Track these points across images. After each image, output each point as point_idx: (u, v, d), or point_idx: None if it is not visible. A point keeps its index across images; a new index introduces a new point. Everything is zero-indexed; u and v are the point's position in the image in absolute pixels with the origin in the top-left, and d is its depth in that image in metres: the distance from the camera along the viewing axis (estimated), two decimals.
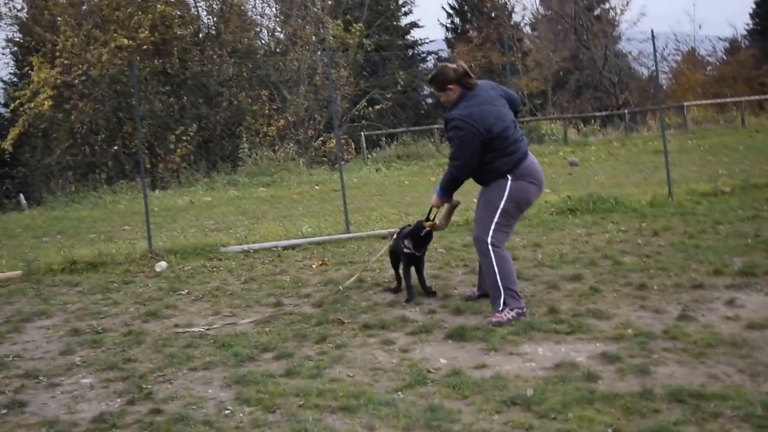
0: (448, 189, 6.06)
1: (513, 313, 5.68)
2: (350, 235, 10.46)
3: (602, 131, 28.47)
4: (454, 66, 5.92)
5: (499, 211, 5.80)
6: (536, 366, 4.70)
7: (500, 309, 5.72)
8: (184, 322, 6.35)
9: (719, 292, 6.13)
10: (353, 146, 26.95)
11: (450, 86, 5.89)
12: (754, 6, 52.88)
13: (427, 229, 6.41)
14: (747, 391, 4.05)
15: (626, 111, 30.39)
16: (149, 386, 4.74)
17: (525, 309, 5.79)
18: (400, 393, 4.36)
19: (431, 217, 6.42)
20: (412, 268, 6.66)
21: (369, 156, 24.90)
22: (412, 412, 4.04)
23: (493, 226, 5.80)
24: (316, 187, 18.83)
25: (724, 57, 45.97)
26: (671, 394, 4.05)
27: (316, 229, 10.99)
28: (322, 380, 4.64)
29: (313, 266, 8.61)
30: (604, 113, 31.77)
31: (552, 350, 4.99)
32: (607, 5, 42.22)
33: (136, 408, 4.41)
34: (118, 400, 4.58)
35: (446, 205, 6.30)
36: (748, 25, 53.41)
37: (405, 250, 6.59)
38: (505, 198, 5.79)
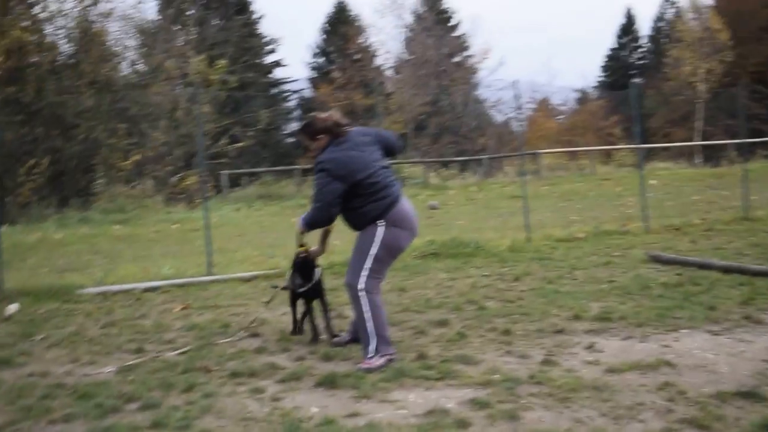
0: (309, 226, 6.00)
1: (383, 360, 5.69)
2: (213, 277, 10.27)
3: (461, 176, 29.28)
4: (326, 116, 5.99)
5: (370, 258, 5.82)
6: (408, 413, 4.71)
7: (370, 355, 5.73)
8: (39, 370, 6.02)
9: (579, 337, 6.34)
10: (212, 184, 26.59)
11: (320, 136, 5.93)
12: (605, 59, 56.43)
13: (303, 254, 6.36)
14: None
15: (485, 157, 31.34)
16: None
17: (395, 355, 5.82)
18: None
19: (303, 243, 6.35)
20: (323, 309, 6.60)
21: (229, 195, 24.63)
22: None
23: (365, 273, 5.82)
24: (174, 226, 18.41)
25: (576, 107, 48.42)
26: None
27: (177, 271, 10.73)
28: None
29: (176, 310, 8.39)
30: (464, 158, 32.66)
31: (423, 397, 5.02)
32: (467, 52, 43.67)
33: None
34: None
35: (320, 231, 6.27)
36: (599, 77, 56.92)
37: (297, 290, 6.56)
38: (376, 244, 5.82)
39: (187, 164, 26.37)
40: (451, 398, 4.95)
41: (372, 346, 5.74)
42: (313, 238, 6.37)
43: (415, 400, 4.96)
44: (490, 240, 12.05)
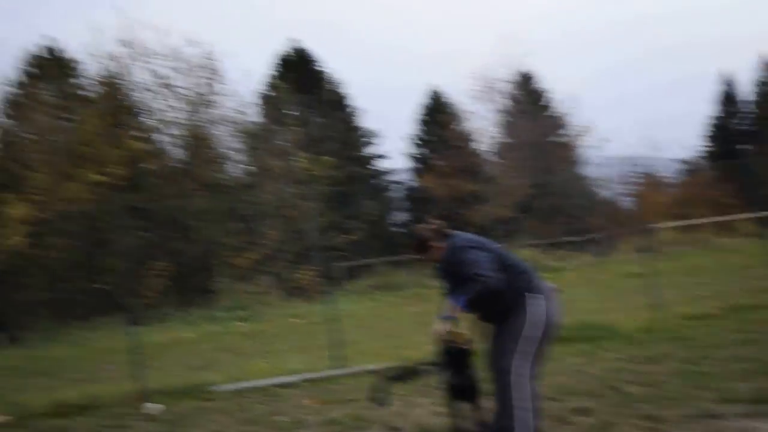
0: (471, 301, 5.30)
1: None
2: (343, 370, 10.32)
3: (575, 256, 28.79)
4: (429, 226, 5.82)
5: (524, 339, 5.42)
6: None
7: None
8: None
9: (735, 421, 6.04)
10: (329, 277, 26.92)
11: (433, 244, 5.74)
12: (713, 129, 55.37)
13: (461, 343, 5.50)
14: None
15: (599, 235, 30.83)
16: None
17: None
18: None
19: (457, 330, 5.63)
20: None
21: (346, 287, 24.92)
22: None
23: (518, 355, 5.40)
24: (296, 320, 18.72)
25: (684, 178, 47.33)
26: None
27: (305, 365, 10.86)
28: None
29: (311, 404, 8.45)
30: (577, 238, 32.16)
31: None
32: (568, 131, 43.41)
33: None
34: None
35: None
36: (705, 147, 55.76)
37: (452, 383, 5.60)
38: (530, 323, 5.45)
39: (302, 259, 26.87)
40: None
41: None
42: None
43: None
44: (619, 321, 11.74)
